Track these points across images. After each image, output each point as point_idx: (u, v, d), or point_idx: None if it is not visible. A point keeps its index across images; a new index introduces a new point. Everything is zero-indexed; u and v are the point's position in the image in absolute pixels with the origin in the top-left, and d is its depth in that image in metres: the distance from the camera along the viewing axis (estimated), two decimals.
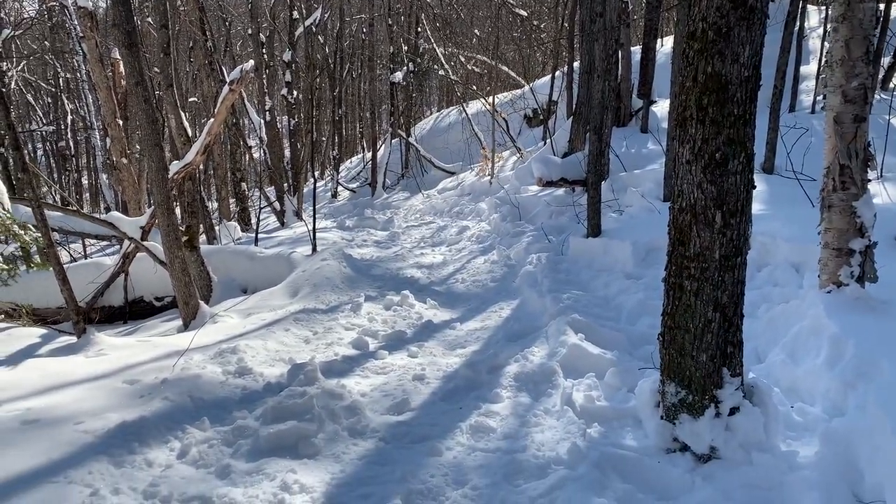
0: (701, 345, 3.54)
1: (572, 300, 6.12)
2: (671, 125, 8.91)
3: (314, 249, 8.88)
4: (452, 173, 19.72)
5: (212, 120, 8.30)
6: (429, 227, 13.14)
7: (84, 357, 5.01)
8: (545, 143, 16.23)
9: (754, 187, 3.58)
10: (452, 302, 7.27)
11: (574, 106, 13.58)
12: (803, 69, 13.73)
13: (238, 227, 15.09)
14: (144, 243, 8.36)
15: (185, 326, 6.63)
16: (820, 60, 12.60)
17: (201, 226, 12.70)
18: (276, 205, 16.73)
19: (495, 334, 5.79)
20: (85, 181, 28.92)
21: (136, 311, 9.15)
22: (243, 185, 17.59)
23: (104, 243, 17.13)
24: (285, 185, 17.77)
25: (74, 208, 9.91)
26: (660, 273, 6.98)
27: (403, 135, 21.35)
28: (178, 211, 9.25)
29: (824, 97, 4.80)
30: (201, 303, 6.72)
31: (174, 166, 8.29)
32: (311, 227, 9.20)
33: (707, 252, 3.47)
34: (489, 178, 15.22)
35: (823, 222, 4.67)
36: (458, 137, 21.19)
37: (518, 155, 16.60)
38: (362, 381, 4.78)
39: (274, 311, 6.72)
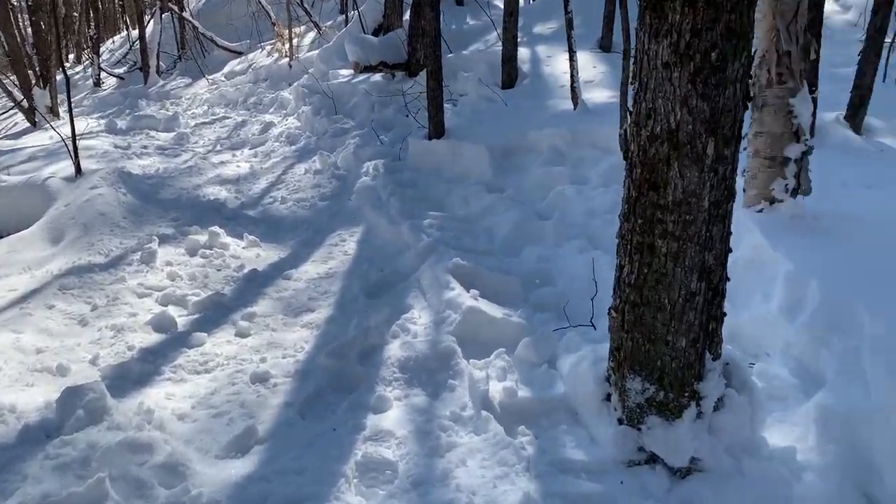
0: (680, 326, 2.54)
1: (436, 228, 4.94)
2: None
3: (78, 171, 6.77)
4: (240, 53, 17.17)
5: None
6: (223, 123, 11.09)
7: None
8: (345, 17, 14.36)
9: (751, 100, 2.53)
10: (276, 233, 5.78)
11: None
12: None
13: None
14: None
15: None
16: None
17: None
18: (21, 99, 13.45)
19: (349, 286, 4.48)
20: None
21: None
22: None
23: None
24: (30, 72, 14.33)
25: None
26: (525, 181, 6.01)
27: (175, 8, 18.12)
28: None
29: None
30: None
31: None
32: (70, 142, 6.99)
33: (693, 198, 2.40)
34: (288, 60, 13.20)
35: (753, 125, 3.81)
36: (242, 11, 18.41)
37: (317, 32, 14.59)
38: (175, 390, 3.32)
39: (29, 270, 4.86)
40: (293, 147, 8.57)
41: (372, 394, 3.15)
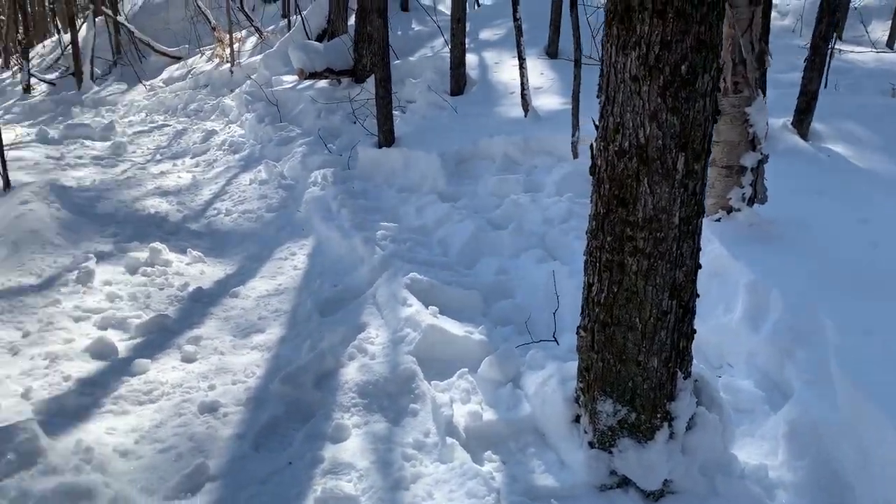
0: (652, 346, 2.46)
1: (390, 240, 4.79)
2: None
3: (7, 185, 6.39)
4: (178, 58, 16.68)
5: None
6: (162, 131, 10.71)
7: None
8: (287, 22, 14.07)
9: (720, 114, 2.48)
10: (221, 248, 5.54)
11: None
12: None
13: None
14: None
15: None
16: None
17: None
18: None
19: (300, 302, 4.30)
20: None
21: None
22: None
23: None
24: None
25: None
26: (478, 189, 5.91)
27: (109, 12, 17.52)
28: None
29: None
30: None
31: None
32: None
33: (663, 215, 2.32)
34: (229, 65, 12.84)
35: None
36: (180, 15, 17.89)
37: (259, 37, 14.25)
38: (117, 424, 3.09)
39: None
40: (237, 156, 8.30)
41: (329, 422, 2.99)
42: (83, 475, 2.59)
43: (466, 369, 3.25)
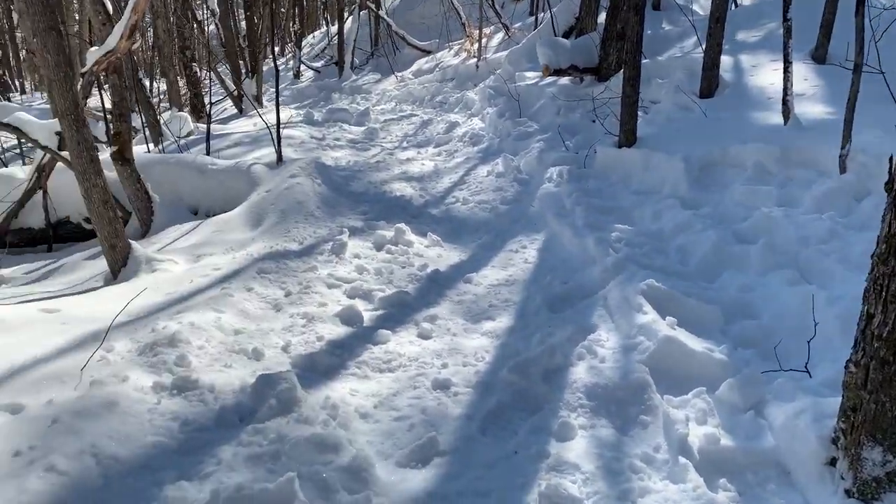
0: None
1: (625, 243, 4.66)
2: None
3: (279, 159, 7.18)
4: (428, 52, 17.60)
5: None
6: (409, 120, 11.37)
7: None
8: (535, 19, 14.23)
9: None
10: (457, 233, 5.77)
11: None
12: None
13: (189, 119, 13.07)
14: (63, 154, 6.60)
15: (114, 276, 5.06)
16: None
17: (142, 124, 10.77)
18: (232, 88, 14.63)
19: (530, 296, 4.34)
20: None
21: (61, 235, 7.51)
22: (194, 66, 15.35)
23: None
24: (241, 62, 15.55)
25: None
26: (724, 198, 5.56)
27: (373, 7, 18.93)
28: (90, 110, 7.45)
29: None
30: (133, 244, 5.11)
31: (92, 55, 6.42)
32: (275, 135, 7.42)
33: None
34: (476, 60, 13.28)
35: None
36: (434, 11, 18.84)
37: (506, 33, 14.57)
38: (359, 387, 3.34)
39: (231, 251, 5.17)
40: (476, 148, 8.58)
41: (555, 418, 2.98)
42: (330, 429, 2.83)
43: (704, 388, 3.06)
